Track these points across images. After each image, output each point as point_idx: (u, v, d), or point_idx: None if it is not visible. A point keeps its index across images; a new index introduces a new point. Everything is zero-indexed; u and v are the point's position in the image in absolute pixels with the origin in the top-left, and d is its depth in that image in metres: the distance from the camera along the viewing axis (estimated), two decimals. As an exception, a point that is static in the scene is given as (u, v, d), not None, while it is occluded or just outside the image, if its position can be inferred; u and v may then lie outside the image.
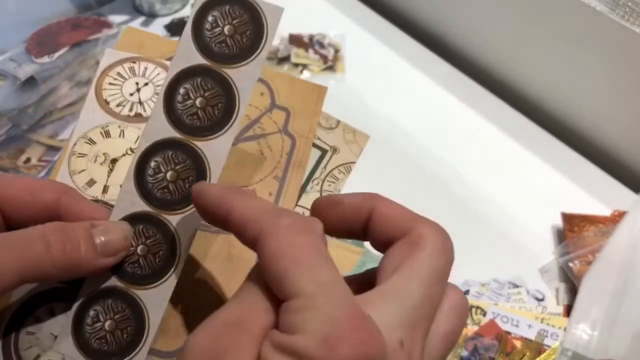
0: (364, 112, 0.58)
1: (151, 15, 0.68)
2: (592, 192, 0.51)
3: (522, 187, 0.52)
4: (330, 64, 0.62)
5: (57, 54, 0.58)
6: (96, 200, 0.32)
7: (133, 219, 0.29)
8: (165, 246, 0.28)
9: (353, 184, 0.51)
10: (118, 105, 0.34)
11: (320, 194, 0.41)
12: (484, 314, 0.42)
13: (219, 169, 0.29)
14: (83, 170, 0.33)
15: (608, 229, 0.45)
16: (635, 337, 0.40)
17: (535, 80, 0.59)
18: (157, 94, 0.34)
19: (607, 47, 0.49)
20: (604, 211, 0.49)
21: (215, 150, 0.29)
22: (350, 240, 0.46)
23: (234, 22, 0.29)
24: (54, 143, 0.50)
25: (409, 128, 0.57)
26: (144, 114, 0.34)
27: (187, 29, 0.29)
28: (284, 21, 0.75)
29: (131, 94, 0.34)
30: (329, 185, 0.41)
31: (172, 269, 0.28)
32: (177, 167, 0.29)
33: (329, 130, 0.43)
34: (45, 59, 0.58)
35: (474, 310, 0.43)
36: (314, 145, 0.42)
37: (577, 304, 0.42)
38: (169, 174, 0.29)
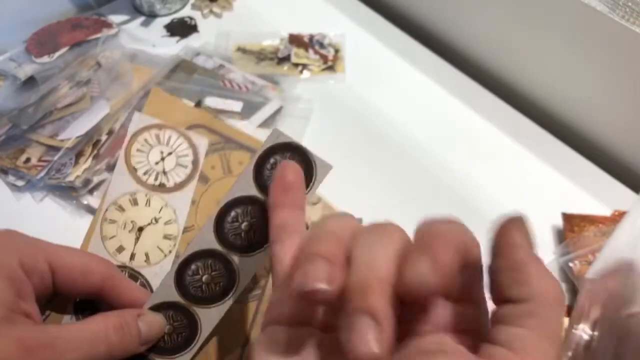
0: (364, 112, 0.58)
1: (151, 15, 0.68)
2: (592, 192, 0.51)
3: (522, 187, 0.52)
4: (330, 64, 0.62)
5: (57, 54, 0.58)
6: (124, 267, 0.37)
7: (167, 305, 0.34)
8: (188, 330, 0.33)
9: (353, 184, 0.51)
10: (145, 173, 0.38)
11: None
12: (484, 314, 0.42)
13: (247, 280, 0.34)
14: (113, 237, 0.37)
15: (608, 229, 0.45)
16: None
17: (535, 80, 0.59)
18: (179, 164, 0.39)
19: (607, 47, 0.49)
20: (604, 211, 0.49)
21: (248, 265, 0.34)
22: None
23: None
24: (54, 143, 0.50)
25: (409, 128, 0.57)
26: (167, 184, 0.38)
27: (251, 166, 0.34)
28: (284, 21, 0.75)
29: (156, 163, 0.38)
30: None
31: (191, 347, 0.34)
32: (213, 273, 0.34)
33: (312, 205, 0.46)
34: (46, 59, 0.58)
35: (473, 310, 0.42)
36: None
37: (577, 304, 0.42)
38: (204, 277, 0.34)
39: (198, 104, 0.53)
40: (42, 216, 0.48)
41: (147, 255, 0.36)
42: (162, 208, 0.37)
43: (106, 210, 0.37)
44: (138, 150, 0.38)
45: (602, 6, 0.47)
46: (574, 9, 0.49)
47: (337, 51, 0.64)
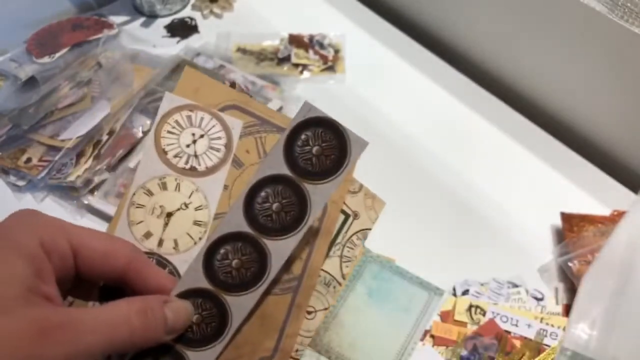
0: (364, 112, 0.58)
1: (151, 16, 0.68)
2: (591, 192, 0.52)
3: (522, 187, 0.52)
4: (330, 64, 0.63)
5: (57, 54, 0.58)
6: (152, 253, 0.35)
7: (195, 292, 0.32)
8: (218, 319, 0.32)
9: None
10: (175, 156, 0.36)
11: (340, 259, 0.41)
12: (484, 314, 0.42)
13: (279, 265, 0.32)
14: (141, 222, 0.35)
15: (607, 228, 0.45)
16: (634, 337, 0.40)
17: (535, 80, 0.59)
18: (211, 147, 0.36)
19: (606, 47, 0.50)
20: (604, 211, 0.49)
21: (280, 249, 0.32)
22: (350, 240, 0.46)
23: (323, 144, 0.32)
24: (54, 143, 0.50)
25: (409, 128, 0.57)
26: (199, 168, 0.36)
27: (281, 143, 0.32)
28: (284, 21, 0.75)
29: (187, 146, 0.36)
30: (348, 251, 0.41)
31: (221, 339, 0.32)
32: (243, 258, 0.32)
33: (353, 194, 0.43)
34: (46, 59, 0.58)
35: (473, 309, 0.43)
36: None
37: (576, 303, 0.42)
38: (234, 262, 0.32)
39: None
40: (42, 216, 0.48)
41: (175, 242, 0.35)
42: (192, 193, 0.35)
43: (133, 194, 0.35)
44: (169, 132, 0.36)
45: (601, 7, 0.47)
46: (573, 10, 0.50)
47: (337, 51, 0.64)
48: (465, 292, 0.44)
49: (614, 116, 0.54)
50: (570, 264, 0.44)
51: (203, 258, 0.32)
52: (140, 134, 0.52)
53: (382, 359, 0.40)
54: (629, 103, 0.51)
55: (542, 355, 0.40)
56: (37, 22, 0.62)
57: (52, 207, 0.49)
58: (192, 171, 0.36)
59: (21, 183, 0.49)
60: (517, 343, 0.41)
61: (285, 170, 0.32)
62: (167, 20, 0.68)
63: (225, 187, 0.36)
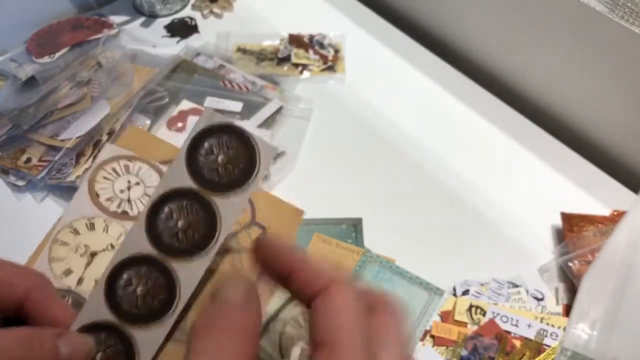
0: (363, 112, 0.58)
1: (151, 16, 0.68)
2: (591, 192, 0.52)
3: (522, 187, 0.52)
4: (330, 64, 0.63)
5: (57, 54, 0.58)
6: (69, 291, 0.33)
7: (97, 326, 0.28)
8: (124, 357, 0.28)
9: (353, 184, 0.51)
10: (107, 199, 0.35)
11: (280, 337, 0.39)
12: (484, 314, 0.42)
13: (190, 292, 0.29)
14: (62, 259, 0.34)
15: (607, 228, 0.46)
16: (634, 337, 0.40)
17: (535, 80, 0.59)
18: (146, 195, 0.35)
19: (607, 47, 0.50)
20: (604, 211, 0.49)
21: (190, 272, 0.29)
22: (350, 240, 0.46)
23: (229, 152, 0.29)
24: (54, 143, 0.50)
25: (409, 128, 0.57)
26: (131, 213, 0.35)
27: (182, 152, 0.29)
28: (284, 21, 0.75)
29: (121, 191, 0.35)
30: (292, 329, 0.39)
31: None
32: (149, 284, 0.29)
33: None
34: (46, 59, 0.58)
35: (473, 309, 0.43)
36: None
37: (576, 303, 0.42)
38: (139, 289, 0.29)
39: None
40: (42, 216, 0.48)
41: (96, 281, 0.32)
42: (120, 235, 0.35)
43: (59, 231, 0.35)
44: (104, 177, 0.36)
45: (601, 6, 0.47)
46: (573, 9, 0.50)
47: (337, 51, 0.64)
48: (466, 292, 0.44)
49: (614, 116, 0.54)
50: (570, 264, 0.44)
51: (104, 287, 0.29)
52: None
53: (382, 359, 0.40)
54: (629, 103, 0.51)
55: (542, 356, 0.40)
56: (37, 22, 0.62)
57: (52, 207, 0.49)
58: (124, 215, 0.35)
59: (21, 183, 0.49)
60: (517, 343, 0.41)
61: (189, 183, 0.29)
62: (167, 20, 0.67)
63: None
